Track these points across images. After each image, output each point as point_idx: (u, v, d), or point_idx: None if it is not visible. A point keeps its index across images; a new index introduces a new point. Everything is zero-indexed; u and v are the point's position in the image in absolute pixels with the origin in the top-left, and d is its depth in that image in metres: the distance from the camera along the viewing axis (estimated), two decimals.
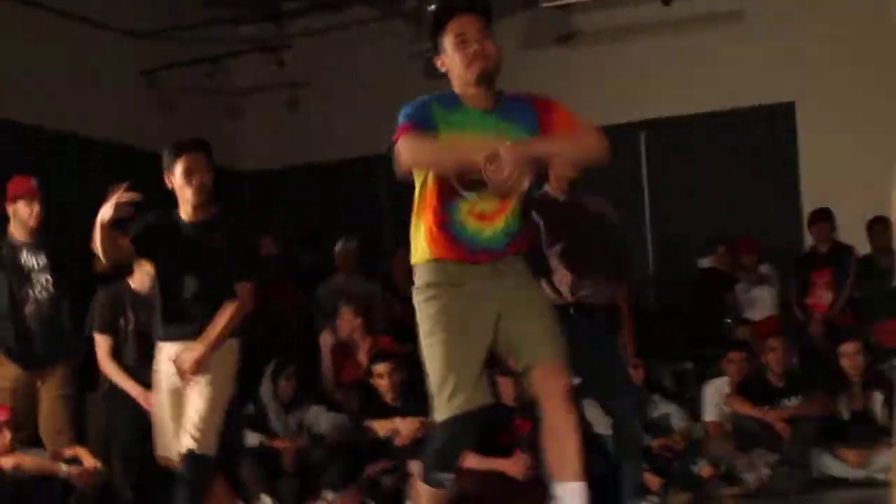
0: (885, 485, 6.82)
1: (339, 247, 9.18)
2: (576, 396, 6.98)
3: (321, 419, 6.97)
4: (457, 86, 3.92)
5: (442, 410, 3.79)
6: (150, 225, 4.99)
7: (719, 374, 7.67)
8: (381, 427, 6.66)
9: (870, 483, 6.99)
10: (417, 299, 3.95)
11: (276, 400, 7.09)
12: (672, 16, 10.10)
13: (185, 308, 4.94)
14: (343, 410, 7.18)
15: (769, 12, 10.09)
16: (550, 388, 3.85)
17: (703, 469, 6.90)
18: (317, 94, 11.38)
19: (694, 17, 10.21)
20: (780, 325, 8.51)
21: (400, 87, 10.42)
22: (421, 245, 3.92)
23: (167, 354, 4.91)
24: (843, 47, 9.78)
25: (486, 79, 3.84)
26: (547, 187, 5.78)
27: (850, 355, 7.58)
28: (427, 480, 3.88)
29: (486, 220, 3.85)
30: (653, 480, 6.61)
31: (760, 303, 9.01)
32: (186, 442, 4.83)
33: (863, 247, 9.03)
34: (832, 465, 7.19)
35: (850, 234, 9.03)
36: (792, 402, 7.33)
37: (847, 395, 7.51)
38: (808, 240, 9.28)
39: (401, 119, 3.83)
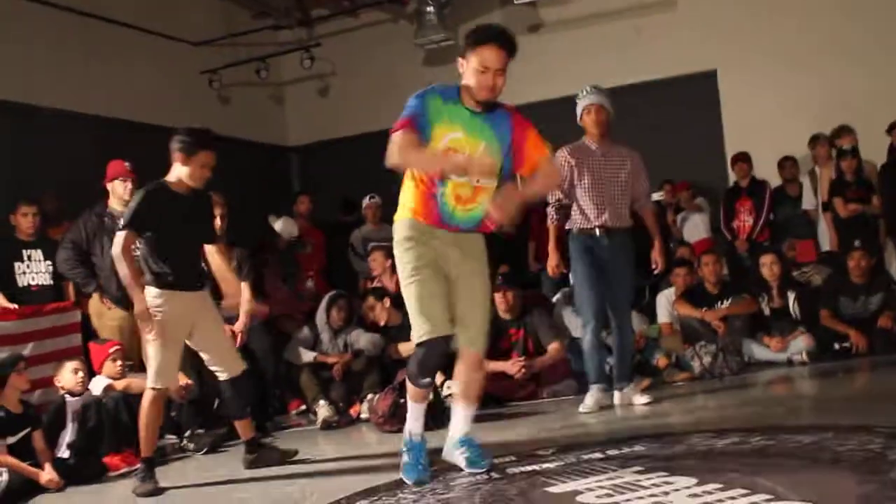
0: (801, 364, 6.85)
1: (366, 202, 9.05)
2: (563, 304, 7.07)
3: (361, 338, 6.91)
4: (464, 87, 3.83)
5: (417, 335, 3.86)
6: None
7: (668, 286, 7.57)
8: (403, 348, 6.62)
9: (789, 363, 7.00)
10: (398, 250, 3.95)
11: (328, 325, 7.01)
12: (617, 5, 10.13)
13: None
14: (378, 331, 7.11)
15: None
16: (468, 374, 4.04)
17: (660, 360, 6.90)
18: (342, 82, 11.33)
19: (634, 4, 10.14)
20: (712, 245, 8.50)
21: (406, 73, 10.41)
22: (407, 205, 3.92)
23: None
24: (758, 18, 9.66)
25: (485, 104, 3.81)
26: (584, 138, 5.80)
27: (768, 265, 7.51)
28: (415, 384, 3.99)
29: (462, 202, 3.85)
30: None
31: (697, 228, 8.96)
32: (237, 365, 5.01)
33: (775, 180, 8.96)
34: (759, 351, 7.16)
35: (764, 171, 8.96)
36: (725, 304, 7.23)
37: (768, 296, 7.46)
38: (732, 177, 9.17)
39: (404, 112, 3.78)
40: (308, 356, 6.85)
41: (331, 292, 7.17)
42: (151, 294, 4.69)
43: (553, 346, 6.67)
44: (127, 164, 6.44)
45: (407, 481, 3.95)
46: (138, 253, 4.80)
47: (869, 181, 8.29)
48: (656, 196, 9.03)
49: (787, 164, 8.83)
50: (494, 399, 6.25)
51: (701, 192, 9.21)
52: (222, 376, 5.04)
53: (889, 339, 6.94)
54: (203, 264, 5.10)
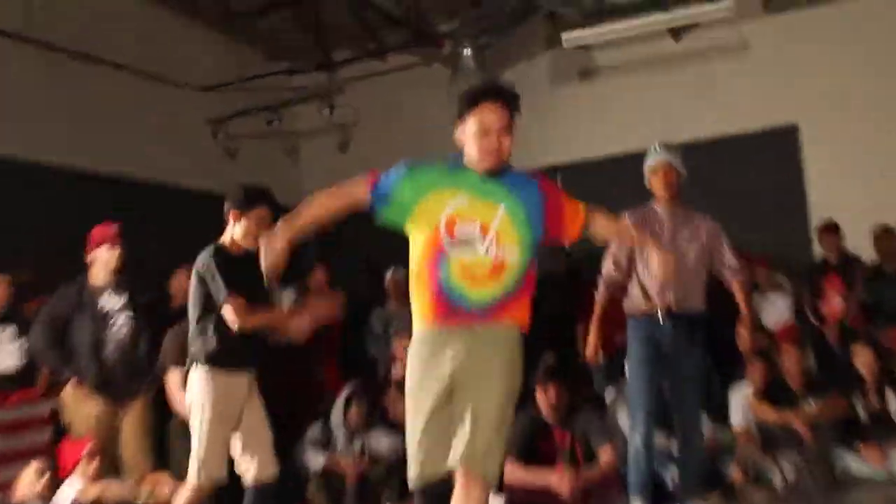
0: None
1: (388, 276, 8.98)
2: (618, 402, 6.88)
3: (382, 442, 6.80)
4: (467, 157, 3.73)
5: (410, 478, 3.66)
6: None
7: (743, 381, 7.34)
8: None
9: (892, 481, 6.69)
10: (409, 363, 3.79)
11: (344, 425, 6.92)
12: (682, 49, 10.12)
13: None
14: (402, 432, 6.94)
15: (771, 43, 9.94)
16: (464, 497, 3.43)
17: (734, 472, 6.66)
18: (365, 135, 11.29)
19: (702, 48, 10.11)
20: (796, 332, 8.27)
21: (439, 125, 10.27)
22: (416, 309, 3.73)
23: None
24: (843, 68, 9.60)
25: (490, 174, 3.67)
26: (651, 203, 5.76)
27: (863, 357, 7.28)
28: None
29: (474, 281, 3.58)
30: None
31: (777, 312, 8.70)
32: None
33: (869, 255, 8.77)
34: (854, 464, 6.87)
35: (858, 244, 8.77)
36: (812, 405, 7.00)
37: (863, 396, 7.20)
38: (818, 251, 9.02)
39: (382, 174, 3.76)
40: (318, 462, 6.71)
41: (349, 385, 7.05)
42: (202, 374, 4.79)
43: (603, 453, 6.45)
44: (115, 227, 6.40)
45: None
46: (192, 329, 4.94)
47: None
48: None
49: (885, 236, 8.62)
50: None
51: (781, 268, 8.95)
52: (250, 476, 4.99)
53: None
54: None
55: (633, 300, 5.65)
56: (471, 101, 3.69)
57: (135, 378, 6.34)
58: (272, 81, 10.86)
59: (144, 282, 6.86)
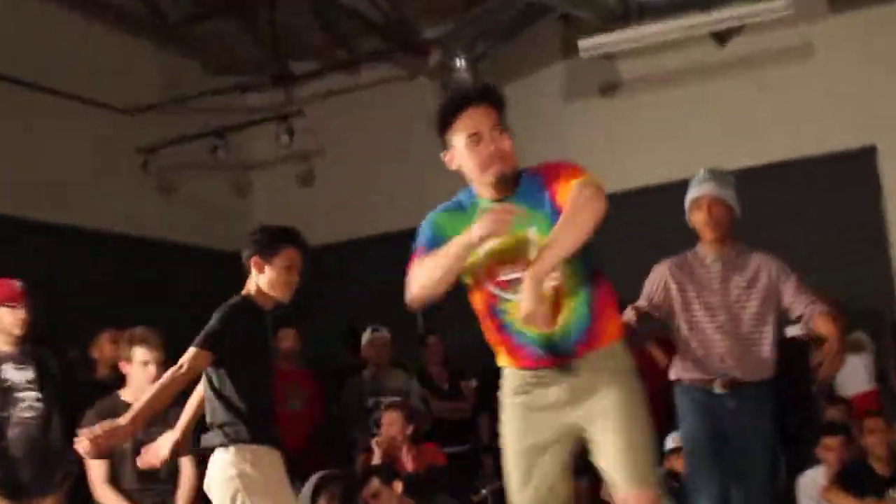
0: None
1: (367, 336, 8.88)
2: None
3: None
4: (471, 180, 3.86)
5: None
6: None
7: (815, 462, 7.25)
8: None
9: None
10: (501, 408, 3.99)
11: None
12: (728, 56, 10.11)
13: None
14: None
15: (840, 45, 9.91)
16: None
17: None
18: (333, 165, 11.37)
19: (754, 55, 10.09)
20: (880, 401, 8.19)
21: (425, 151, 10.18)
22: (497, 350, 3.92)
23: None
24: None
25: (505, 180, 3.76)
26: (697, 247, 5.58)
27: None
28: None
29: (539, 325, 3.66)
30: None
31: (855, 376, 8.55)
32: None
33: None
34: None
35: None
36: None
37: None
38: None
39: (414, 244, 3.86)
40: None
41: (317, 474, 6.91)
42: (234, 455, 4.74)
43: None
44: (17, 284, 6.30)
45: None
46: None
47: None
48: (791, 331, 8.77)
49: None
50: None
51: (859, 322, 8.74)
52: None
53: None
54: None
55: (684, 367, 5.51)
56: (447, 113, 3.81)
57: (45, 470, 6.22)
58: (217, 101, 10.83)
59: (60, 348, 6.85)
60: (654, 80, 10.36)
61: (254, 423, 4.84)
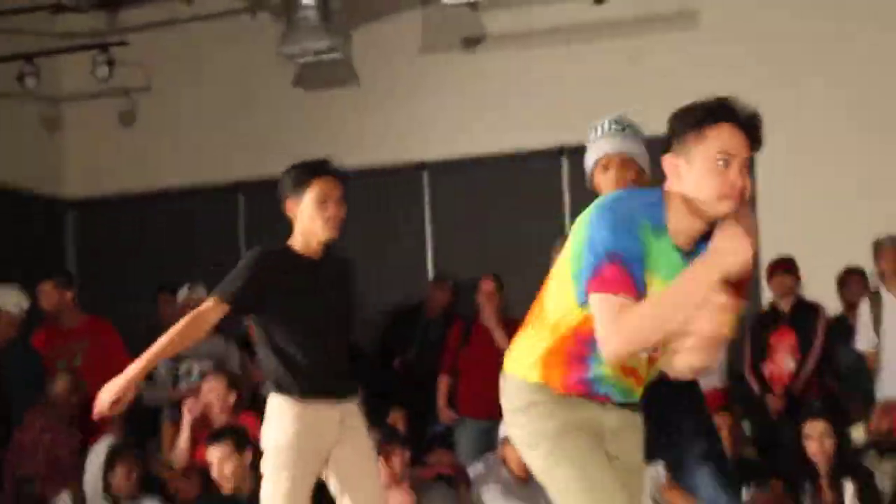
0: None
1: (182, 295, 9.12)
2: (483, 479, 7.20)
3: None
4: (675, 206, 3.60)
5: None
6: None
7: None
8: None
9: None
10: (518, 418, 3.88)
11: (107, 495, 7.09)
12: (606, 16, 10.29)
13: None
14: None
15: (724, 13, 10.35)
16: None
17: None
18: (158, 103, 11.36)
19: (633, 18, 10.42)
20: (729, 400, 8.62)
21: (263, 96, 10.46)
22: (532, 361, 3.84)
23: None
24: (807, 47, 10.16)
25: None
26: None
27: (816, 437, 7.53)
28: None
29: (632, 375, 3.80)
30: None
31: (708, 375, 8.99)
32: None
33: (833, 304, 9.21)
34: None
35: (817, 290, 9.21)
36: (744, 494, 7.31)
37: (813, 485, 7.50)
38: (767, 295, 9.42)
39: (595, 252, 3.55)
40: None
41: (110, 441, 7.16)
42: (276, 406, 5.09)
43: None
44: None
45: None
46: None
47: None
48: None
49: (852, 281, 9.03)
50: None
51: None
52: None
53: None
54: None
55: None
56: (708, 115, 3.56)
57: None
58: (27, 21, 10.82)
59: None
60: (523, 36, 10.54)
61: (295, 374, 5.13)
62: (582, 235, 3.59)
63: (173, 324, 5.81)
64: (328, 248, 5.24)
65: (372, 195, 10.44)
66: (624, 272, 3.47)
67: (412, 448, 7.70)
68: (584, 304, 3.57)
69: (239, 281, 5.07)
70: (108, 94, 11.25)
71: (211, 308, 5.07)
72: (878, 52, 10.01)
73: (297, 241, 5.19)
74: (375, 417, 7.77)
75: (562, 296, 3.71)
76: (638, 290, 3.50)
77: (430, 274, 10.99)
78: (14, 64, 10.71)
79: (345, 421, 5.23)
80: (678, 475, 5.74)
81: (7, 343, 8.64)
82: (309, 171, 5.16)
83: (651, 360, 3.75)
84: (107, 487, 7.13)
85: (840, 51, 10.10)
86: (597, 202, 3.64)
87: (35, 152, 11.59)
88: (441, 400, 9.30)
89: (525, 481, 7.18)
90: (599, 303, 3.49)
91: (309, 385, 5.12)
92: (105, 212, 11.66)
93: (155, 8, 11.27)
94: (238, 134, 10.81)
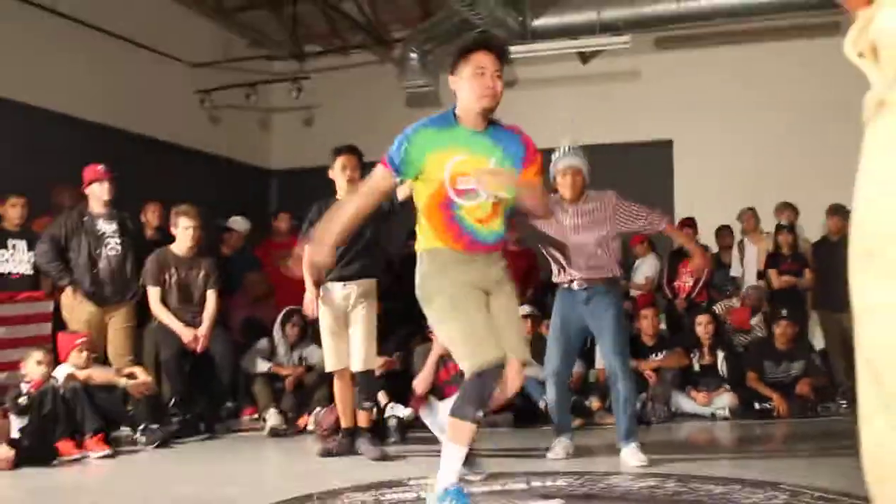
0: (723, 419, 6.90)
1: (238, 225, 8.88)
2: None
3: (314, 354, 6.77)
4: (460, 107, 3.47)
5: (473, 365, 3.27)
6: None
7: None
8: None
9: (712, 417, 7.04)
10: (426, 282, 3.46)
11: (284, 339, 6.95)
12: (586, 71, 10.20)
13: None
14: None
15: (659, 72, 10.10)
16: (512, 382, 3.46)
17: (594, 403, 6.88)
18: (326, 115, 11.26)
19: (602, 73, 10.21)
20: (653, 300, 8.48)
21: (387, 112, 10.40)
22: (431, 234, 3.49)
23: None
24: (712, 94, 9.86)
25: (487, 113, 3.47)
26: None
27: (703, 324, 7.47)
28: (467, 419, 3.30)
29: (482, 222, 3.44)
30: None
31: (647, 271, 8.93)
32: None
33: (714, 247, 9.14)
34: (686, 403, 7.17)
35: (707, 238, 9.06)
36: (659, 357, 7.26)
37: (699, 353, 7.43)
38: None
39: (388, 152, 3.46)
40: (263, 366, 6.80)
41: (287, 308, 7.01)
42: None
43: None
44: (101, 167, 6.43)
45: None
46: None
47: (803, 255, 8.43)
48: None
49: (723, 233, 9.05)
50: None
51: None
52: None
53: (806, 405, 7.01)
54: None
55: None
56: (466, 49, 3.46)
57: (121, 289, 6.39)
58: (252, 65, 10.84)
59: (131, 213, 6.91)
60: (540, 82, 10.35)
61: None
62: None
63: None
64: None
65: None
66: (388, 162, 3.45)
67: None
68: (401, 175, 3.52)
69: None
70: (297, 108, 11.13)
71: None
72: None
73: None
74: None
75: (421, 194, 3.51)
76: (394, 163, 3.46)
77: None
78: (244, 89, 10.65)
79: None
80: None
81: (236, 250, 8.57)
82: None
83: (494, 208, 3.44)
84: (283, 334, 6.98)
85: None
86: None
87: (254, 140, 11.53)
88: None
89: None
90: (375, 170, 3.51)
91: None
92: (297, 178, 11.56)
93: (326, 59, 11.10)
94: (367, 134, 10.49)
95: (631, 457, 4.85)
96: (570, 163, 5.03)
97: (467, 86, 3.41)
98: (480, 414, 3.36)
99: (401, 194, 4.48)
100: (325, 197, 5.25)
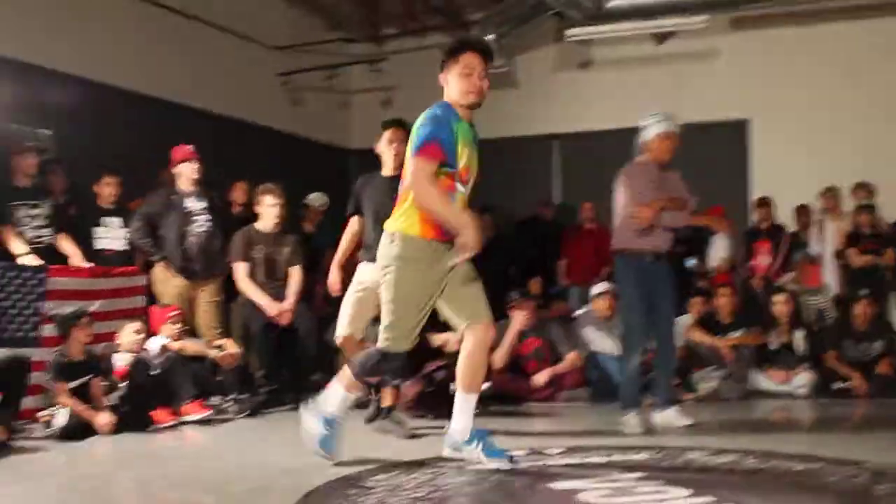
0: (801, 398, 6.76)
1: (317, 201, 8.93)
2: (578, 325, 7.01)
3: None
4: (451, 102, 3.72)
5: (389, 342, 3.72)
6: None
7: (685, 312, 7.37)
8: (436, 338, 6.38)
9: (790, 396, 6.91)
10: (402, 267, 3.67)
11: None
12: (662, 51, 10.03)
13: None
14: None
15: (735, 52, 9.90)
16: (475, 356, 3.80)
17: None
18: (404, 95, 11.10)
19: (678, 54, 10.01)
20: (730, 279, 8.33)
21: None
22: (418, 219, 3.67)
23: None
24: (788, 77, 9.64)
25: (472, 109, 3.71)
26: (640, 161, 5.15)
27: (780, 303, 7.35)
28: (359, 379, 3.85)
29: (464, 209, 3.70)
30: None
31: (720, 249, 8.62)
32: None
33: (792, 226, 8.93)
34: (763, 381, 7.07)
35: (785, 217, 8.95)
36: (736, 334, 7.12)
37: (776, 332, 7.28)
38: (754, 219, 9.15)
39: (426, 135, 3.58)
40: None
41: None
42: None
43: (571, 356, 6.68)
44: (189, 147, 6.53)
45: (327, 453, 3.91)
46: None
47: (883, 235, 8.22)
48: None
49: (802, 212, 8.82)
50: (513, 398, 6.32)
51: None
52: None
53: (887, 385, 6.83)
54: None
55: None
56: (455, 49, 3.71)
57: (210, 264, 6.48)
58: (332, 48, 10.86)
59: (218, 191, 7.00)
60: (614, 62, 10.24)
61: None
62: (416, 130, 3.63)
63: None
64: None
65: (511, 158, 10.14)
66: (437, 145, 3.57)
67: (543, 300, 7.51)
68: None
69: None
70: (376, 90, 11.07)
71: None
72: None
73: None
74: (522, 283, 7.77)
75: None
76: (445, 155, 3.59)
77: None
78: (324, 72, 10.67)
79: None
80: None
81: (317, 225, 8.63)
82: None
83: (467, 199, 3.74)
84: None
85: None
86: (426, 115, 3.68)
87: (334, 121, 11.53)
88: (561, 273, 9.08)
89: (609, 319, 6.86)
90: (421, 163, 3.57)
91: None
92: (376, 158, 11.55)
93: (403, 41, 11.12)
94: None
95: (677, 418, 5.15)
96: (673, 127, 5.14)
97: (456, 83, 3.67)
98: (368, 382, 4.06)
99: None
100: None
